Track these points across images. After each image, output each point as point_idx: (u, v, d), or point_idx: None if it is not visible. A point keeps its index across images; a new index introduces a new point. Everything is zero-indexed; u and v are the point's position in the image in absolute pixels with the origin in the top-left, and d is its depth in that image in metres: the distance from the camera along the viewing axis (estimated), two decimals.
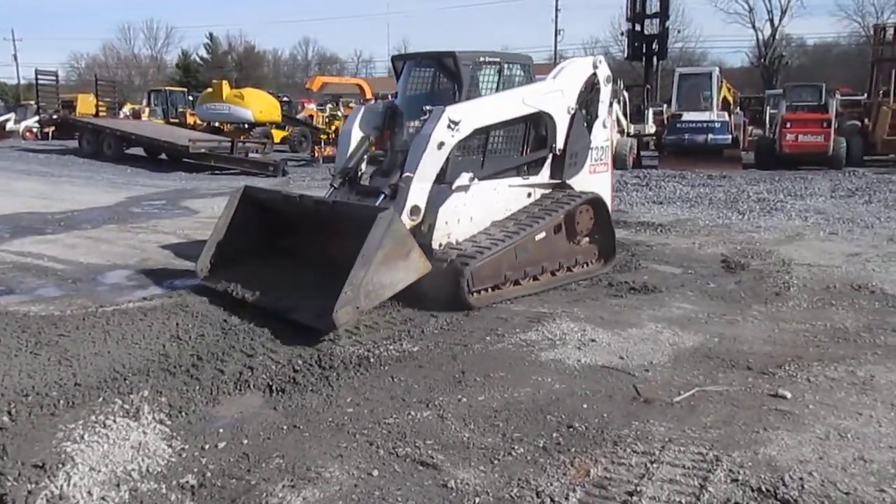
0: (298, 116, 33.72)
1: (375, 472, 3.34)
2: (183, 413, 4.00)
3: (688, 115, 20.14)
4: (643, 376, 4.58)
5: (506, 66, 7.32)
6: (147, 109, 35.48)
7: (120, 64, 78.21)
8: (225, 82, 27.40)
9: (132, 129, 22.89)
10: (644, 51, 26.02)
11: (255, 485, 3.23)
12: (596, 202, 7.32)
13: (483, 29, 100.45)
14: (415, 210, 6.30)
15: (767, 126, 22.91)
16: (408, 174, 6.31)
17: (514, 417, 3.95)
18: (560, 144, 7.24)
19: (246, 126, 26.33)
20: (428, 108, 6.46)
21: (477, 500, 3.11)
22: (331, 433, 3.77)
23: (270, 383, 4.42)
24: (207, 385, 4.37)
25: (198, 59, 75.51)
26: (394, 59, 7.84)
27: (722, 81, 22.33)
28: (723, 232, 9.94)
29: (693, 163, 18.61)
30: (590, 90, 7.71)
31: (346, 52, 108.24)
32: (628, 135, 20.99)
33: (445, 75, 7.11)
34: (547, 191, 7.25)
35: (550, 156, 7.29)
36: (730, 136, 19.79)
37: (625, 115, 21.24)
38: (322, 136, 26.23)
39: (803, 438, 3.66)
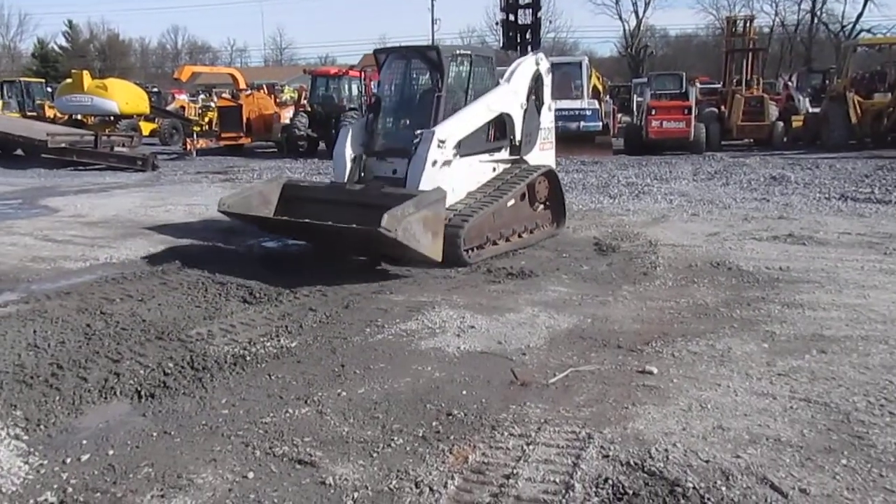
0: (169, 108, 32.34)
1: (251, 475, 3.25)
2: (41, 426, 3.76)
3: (560, 104, 20.67)
4: (520, 360, 4.69)
5: (475, 59, 8.22)
6: (0, 102, 33.00)
7: None
8: (86, 72, 25.74)
9: None
10: (518, 40, 26.52)
11: (122, 497, 3.08)
12: (551, 174, 8.68)
13: (361, 18, 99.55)
14: None
15: (635, 113, 23.93)
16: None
17: (393, 408, 3.95)
18: (518, 136, 8.45)
19: (111, 119, 24.95)
20: (419, 132, 7.35)
21: (356, 495, 3.09)
22: (204, 437, 3.64)
23: (139, 389, 4.22)
24: (69, 395, 4.12)
25: (56, 48, 70.86)
26: (376, 52, 8.48)
27: (591, 70, 23.09)
28: (595, 216, 10.32)
29: (567, 149, 19.11)
30: (536, 81, 8.81)
31: (219, 41, 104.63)
32: None
33: (428, 67, 7.93)
34: (507, 166, 8.38)
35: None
36: (600, 124, 20.53)
37: None
38: (195, 129, 25.27)
39: (668, 412, 3.85)
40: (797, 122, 22.08)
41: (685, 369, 4.46)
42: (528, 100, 8.58)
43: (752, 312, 5.61)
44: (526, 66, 8.70)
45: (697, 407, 3.91)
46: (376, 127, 8.10)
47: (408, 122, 8.18)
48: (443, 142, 7.29)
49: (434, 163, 7.24)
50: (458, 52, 8.11)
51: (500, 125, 8.29)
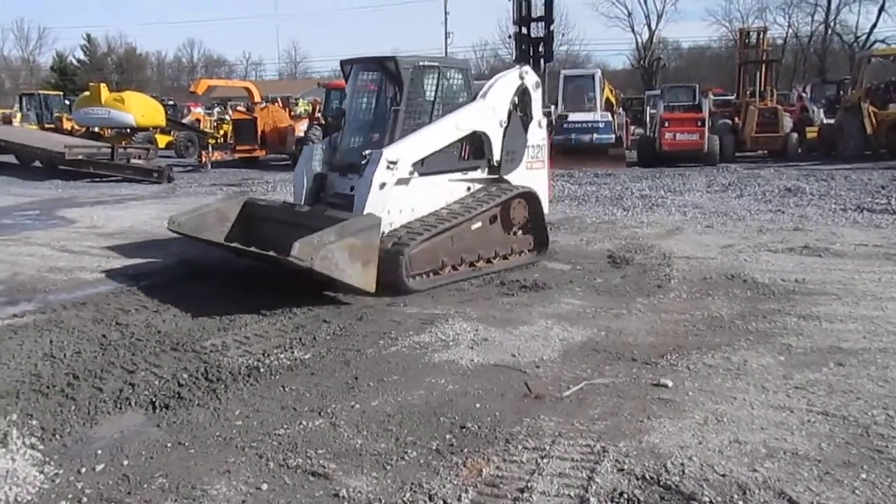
0: (184, 121, 32.60)
1: (265, 486, 3.25)
2: (57, 436, 3.78)
3: (574, 116, 20.70)
4: (534, 373, 4.67)
5: (445, 70, 7.69)
6: (19, 114, 33.37)
7: None
8: (103, 85, 26.04)
9: (2, 136, 21.45)
10: (531, 53, 26.58)
11: None
12: (529, 196, 7.92)
13: (373, 31, 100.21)
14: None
15: (648, 125, 23.87)
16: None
17: (407, 421, 3.94)
18: (497, 156, 7.82)
19: (127, 131, 25.18)
20: (367, 152, 6.93)
21: None
22: (218, 448, 3.65)
23: (153, 399, 4.24)
24: (84, 405, 4.14)
25: (75, 62, 71.72)
26: (341, 63, 8.11)
27: (604, 83, 23.09)
28: (609, 228, 10.29)
29: (580, 162, 19.16)
30: (522, 95, 8.26)
31: (235, 55, 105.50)
32: None
33: (388, 79, 7.46)
34: (484, 185, 7.80)
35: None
36: (614, 136, 20.49)
37: None
38: (210, 141, 25.42)
39: (684, 425, 3.82)
40: (812, 133, 21.96)
41: (701, 382, 4.43)
42: (510, 116, 7.98)
43: (768, 325, 5.56)
44: (506, 81, 8.10)
45: (713, 420, 3.87)
46: (339, 142, 7.83)
47: (366, 137, 7.68)
48: (393, 163, 6.85)
49: (381, 185, 6.80)
50: (421, 63, 7.45)
51: (477, 143, 7.74)
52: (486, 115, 7.74)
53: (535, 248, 8.00)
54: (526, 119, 8.30)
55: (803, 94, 27.28)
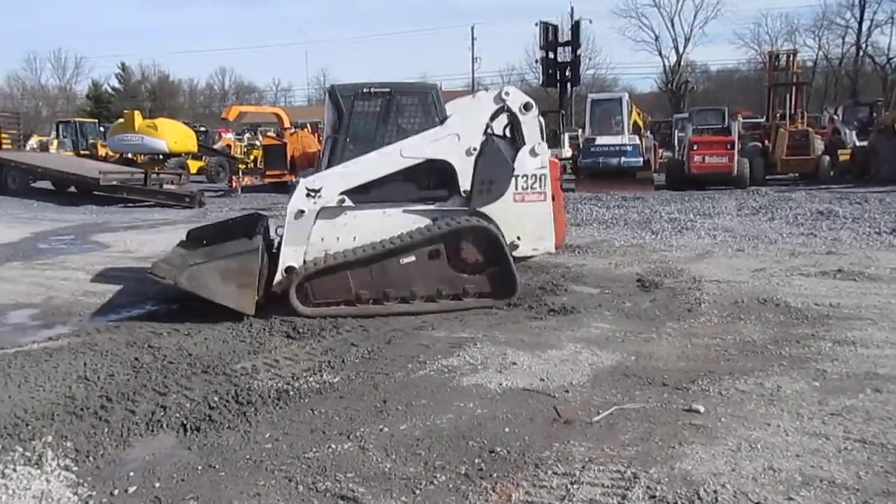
0: (216, 146, 33.14)
1: None
2: (90, 458, 3.82)
3: (601, 139, 20.72)
4: (563, 397, 4.64)
5: (399, 96, 7.26)
6: (55, 141, 34.19)
7: (26, 94, 75.46)
8: (137, 112, 26.68)
9: (38, 162, 21.98)
10: (558, 77, 26.70)
11: None
12: (480, 232, 7.00)
13: (402, 57, 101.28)
14: (289, 270, 6.85)
15: (676, 148, 23.81)
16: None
17: (436, 445, 3.93)
18: (466, 185, 7.19)
19: (160, 157, 25.69)
20: (294, 179, 6.83)
21: None
22: (248, 471, 3.66)
23: (185, 422, 4.28)
24: (117, 427, 4.19)
25: (109, 90, 73.43)
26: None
27: (632, 106, 23.10)
28: (637, 252, 10.23)
29: (608, 185, 19.14)
30: (512, 119, 7.62)
31: (265, 81, 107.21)
32: None
33: (333, 108, 7.26)
34: (447, 218, 7.15)
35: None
36: (641, 159, 20.46)
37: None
38: (240, 166, 25.84)
39: (716, 451, 3.76)
40: (844, 155, 21.74)
41: (733, 408, 4.36)
42: (487, 143, 7.25)
43: (802, 350, 5.48)
44: (475, 105, 7.50)
45: (747, 447, 3.81)
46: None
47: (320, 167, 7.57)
48: (314, 191, 6.81)
49: (299, 213, 6.82)
50: (365, 89, 7.13)
51: (441, 172, 7.22)
52: (446, 141, 7.17)
53: (496, 292, 7.05)
54: (517, 145, 7.51)
55: (835, 117, 27.03)
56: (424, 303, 6.91)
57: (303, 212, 6.85)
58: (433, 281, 6.93)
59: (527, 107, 7.43)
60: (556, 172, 7.92)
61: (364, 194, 7.05)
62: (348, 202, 6.98)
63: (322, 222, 6.94)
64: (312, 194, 6.85)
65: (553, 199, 7.50)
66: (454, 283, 6.98)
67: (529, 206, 7.40)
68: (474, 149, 7.19)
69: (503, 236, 7.12)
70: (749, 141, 22.79)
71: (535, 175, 7.43)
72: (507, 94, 7.41)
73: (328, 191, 6.89)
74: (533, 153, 7.41)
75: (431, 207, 7.23)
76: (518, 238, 7.34)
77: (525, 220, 7.38)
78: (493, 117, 7.52)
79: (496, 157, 7.28)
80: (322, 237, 6.93)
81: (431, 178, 7.28)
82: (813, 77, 50.72)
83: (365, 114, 7.20)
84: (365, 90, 7.17)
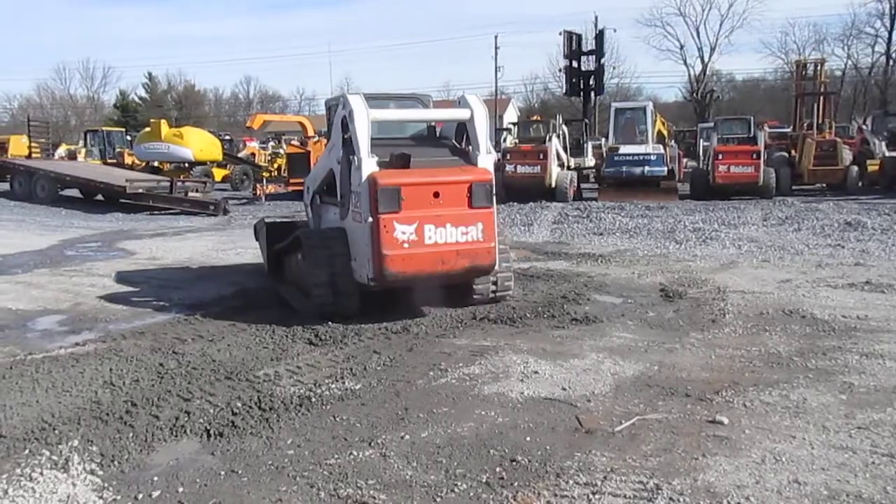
0: (240, 155, 33.47)
1: None
2: (115, 462, 3.86)
3: (625, 149, 20.63)
4: (585, 407, 4.61)
5: (332, 108, 7.56)
6: (83, 150, 34.71)
7: (55, 104, 76.80)
8: (163, 121, 27.04)
9: (67, 171, 22.31)
10: (581, 86, 26.70)
11: None
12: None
13: (426, 66, 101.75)
14: None
15: (701, 158, 23.61)
16: None
17: (457, 453, 3.92)
18: (339, 195, 7.11)
19: (186, 165, 25.98)
20: None
21: None
22: (270, 477, 3.68)
23: (208, 428, 4.31)
24: (142, 432, 4.23)
25: (136, 99, 74.56)
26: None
27: (656, 115, 23.00)
28: (661, 261, 10.16)
29: (631, 194, 19.04)
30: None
31: (289, 90, 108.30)
32: (568, 168, 21.40)
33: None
34: None
35: None
36: (665, 168, 20.34)
37: (565, 148, 21.67)
38: (264, 174, 26.03)
39: (740, 463, 3.72)
40: (873, 166, 21.42)
41: (758, 420, 4.31)
42: (348, 154, 6.72)
43: (829, 362, 5.40)
44: (337, 114, 7.04)
45: (771, 459, 3.76)
46: None
47: None
48: (307, 188, 8.29)
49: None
50: (328, 103, 7.50)
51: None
52: (332, 152, 7.30)
53: None
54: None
55: (864, 127, 26.67)
56: None
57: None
58: None
59: (353, 116, 6.50)
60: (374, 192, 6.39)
61: (328, 195, 7.73)
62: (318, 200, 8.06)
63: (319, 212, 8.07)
64: (307, 191, 8.28)
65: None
66: None
67: (360, 227, 6.61)
68: (338, 159, 7.05)
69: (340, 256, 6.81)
70: (775, 151, 22.58)
71: (358, 192, 6.58)
72: (345, 100, 6.74)
73: (309, 190, 8.27)
74: (359, 167, 6.49)
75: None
76: (355, 259, 6.78)
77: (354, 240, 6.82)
78: (344, 128, 6.91)
79: (345, 173, 6.87)
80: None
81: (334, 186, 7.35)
82: (841, 86, 50.25)
83: (331, 123, 7.53)
84: (328, 104, 8.12)
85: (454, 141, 7.47)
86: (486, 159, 6.88)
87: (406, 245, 6.31)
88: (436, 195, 6.39)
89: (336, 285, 6.74)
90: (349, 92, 8.34)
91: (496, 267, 6.85)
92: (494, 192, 6.74)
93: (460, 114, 7.03)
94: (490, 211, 6.62)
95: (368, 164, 6.44)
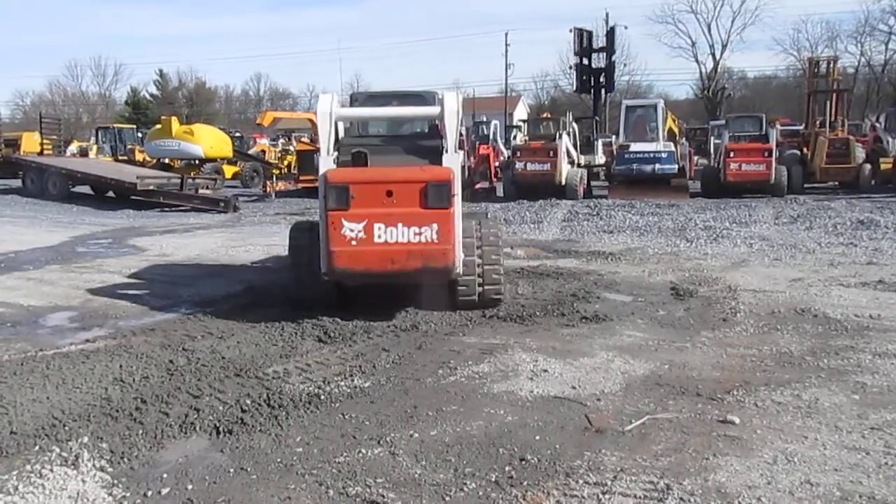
0: (250, 152, 33.52)
1: None
2: (125, 459, 3.87)
3: (635, 146, 20.53)
4: (595, 405, 4.59)
5: (383, 102, 7.66)
6: (95, 147, 34.89)
7: (67, 101, 77.13)
8: (174, 118, 27.07)
9: (78, 167, 22.44)
10: (592, 84, 26.61)
11: None
12: None
13: (435, 63, 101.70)
14: None
15: (712, 156, 23.49)
16: None
17: (466, 452, 3.91)
18: None
19: (196, 162, 26.03)
20: None
21: None
22: (279, 475, 3.68)
23: (217, 425, 4.31)
24: (151, 429, 4.24)
25: (147, 96, 74.82)
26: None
27: (667, 113, 22.87)
28: (671, 260, 10.11)
29: (642, 192, 18.95)
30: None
31: (299, 87, 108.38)
32: (578, 165, 21.33)
33: None
34: None
35: None
36: (676, 166, 20.24)
37: (575, 146, 21.59)
38: (274, 172, 26.08)
39: (752, 464, 3.69)
40: (886, 164, 21.27)
41: (769, 420, 4.28)
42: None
43: (841, 362, 5.36)
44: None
45: (783, 460, 3.73)
46: None
47: None
48: None
49: None
50: (348, 95, 7.78)
51: None
52: None
53: None
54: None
55: (877, 125, 26.46)
56: None
57: None
58: None
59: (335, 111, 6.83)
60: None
61: None
62: None
63: None
64: None
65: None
66: None
67: (321, 222, 6.66)
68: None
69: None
70: (787, 149, 22.42)
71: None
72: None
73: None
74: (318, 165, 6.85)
75: None
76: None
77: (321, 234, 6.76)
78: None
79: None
80: None
81: None
82: (854, 84, 49.86)
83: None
84: (351, 94, 8.14)
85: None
86: (452, 158, 6.72)
87: (354, 242, 6.34)
88: (389, 194, 6.37)
89: (298, 274, 7.11)
90: (357, 90, 8.45)
91: (456, 270, 6.63)
92: (456, 192, 6.56)
93: (430, 111, 7.18)
94: (447, 212, 6.39)
95: (325, 162, 6.64)
